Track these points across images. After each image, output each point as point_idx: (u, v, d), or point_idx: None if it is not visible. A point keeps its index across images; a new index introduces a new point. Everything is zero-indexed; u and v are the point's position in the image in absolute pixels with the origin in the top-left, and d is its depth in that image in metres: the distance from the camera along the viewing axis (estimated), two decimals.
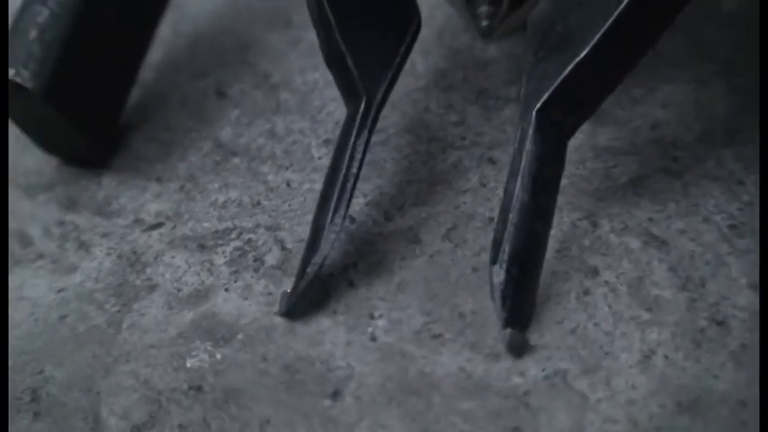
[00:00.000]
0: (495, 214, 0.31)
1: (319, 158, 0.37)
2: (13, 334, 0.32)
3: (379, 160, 0.37)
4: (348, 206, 0.31)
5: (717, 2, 0.42)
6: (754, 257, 0.30)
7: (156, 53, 0.44)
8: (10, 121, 0.37)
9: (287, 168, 0.37)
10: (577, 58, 0.29)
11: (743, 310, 0.29)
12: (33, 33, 0.35)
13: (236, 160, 0.38)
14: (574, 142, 0.35)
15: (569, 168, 0.35)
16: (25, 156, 0.40)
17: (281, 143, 0.39)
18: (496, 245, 0.29)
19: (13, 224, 0.37)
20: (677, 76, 0.38)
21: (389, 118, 0.39)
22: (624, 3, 0.29)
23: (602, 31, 0.29)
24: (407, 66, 0.41)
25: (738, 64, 0.39)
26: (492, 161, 0.36)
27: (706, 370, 0.27)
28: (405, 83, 0.40)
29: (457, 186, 0.35)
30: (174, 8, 0.45)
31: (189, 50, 0.45)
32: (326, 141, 0.38)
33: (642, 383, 0.27)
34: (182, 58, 0.44)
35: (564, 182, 0.34)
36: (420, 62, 0.41)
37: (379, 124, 0.38)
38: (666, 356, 0.28)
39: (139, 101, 0.42)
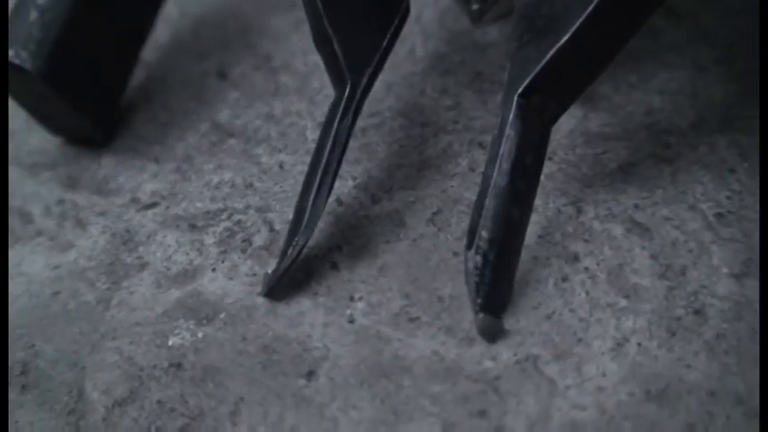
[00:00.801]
0: None
1: (313, 141, 0.38)
2: (9, 309, 0.33)
3: (372, 143, 0.37)
4: (330, 189, 0.31)
5: None
6: (738, 246, 0.30)
7: (161, 33, 0.45)
8: (16, 101, 0.38)
9: (281, 150, 0.38)
10: (559, 43, 0.29)
11: (722, 299, 0.29)
12: (34, 15, 0.36)
13: (233, 141, 0.39)
14: (565, 127, 0.36)
15: (559, 154, 0.35)
16: (30, 135, 0.41)
17: (277, 125, 0.39)
18: (472, 230, 0.29)
19: (15, 202, 0.38)
20: (675, 62, 0.38)
21: (385, 101, 0.39)
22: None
23: (585, 15, 0.29)
24: (406, 49, 0.41)
25: (738, 50, 0.38)
26: (482, 146, 0.36)
27: (678, 359, 0.27)
28: (403, 66, 0.41)
29: (446, 171, 0.35)
30: None
31: (194, 31, 0.45)
32: (322, 123, 0.38)
33: (613, 371, 0.27)
34: (186, 39, 0.45)
35: (553, 167, 0.34)
36: (419, 45, 0.41)
37: (375, 107, 0.39)
38: (640, 344, 0.28)
39: (142, 81, 0.43)
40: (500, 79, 0.39)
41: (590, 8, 0.29)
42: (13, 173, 0.40)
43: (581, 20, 0.29)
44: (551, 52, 0.29)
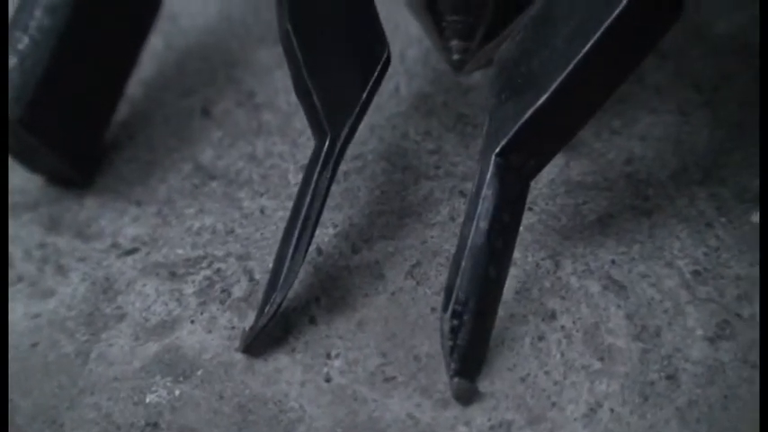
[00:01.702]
0: None
1: (295, 185, 0.38)
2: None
3: (354, 188, 0.37)
4: (309, 242, 0.32)
5: (707, 25, 0.42)
6: (714, 307, 0.31)
7: (146, 66, 0.45)
8: None
9: (262, 194, 0.38)
10: (538, 103, 0.29)
11: (695, 363, 0.29)
12: (13, 61, 0.36)
13: (214, 184, 0.39)
14: (547, 176, 0.36)
15: (540, 203, 0.35)
16: (11, 174, 0.41)
17: (259, 167, 0.39)
18: (449, 290, 0.30)
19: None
20: (660, 107, 0.38)
21: (368, 144, 0.39)
22: (586, 48, 0.29)
23: (564, 74, 0.29)
24: (391, 88, 0.42)
25: (724, 93, 0.38)
26: (463, 194, 0.36)
27: (650, 426, 0.28)
28: (387, 106, 0.41)
29: (426, 219, 0.36)
30: (167, 21, 0.46)
31: (178, 66, 0.45)
32: (304, 167, 0.38)
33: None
34: (171, 74, 0.45)
35: (533, 218, 0.35)
36: (404, 85, 0.42)
37: (358, 150, 0.39)
38: (612, 410, 0.28)
39: (126, 117, 0.43)
40: (482, 122, 0.39)
41: (570, 67, 0.29)
42: None
43: (560, 79, 0.29)
44: (530, 112, 0.30)
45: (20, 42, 0.37)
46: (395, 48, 0.43)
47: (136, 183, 0.40)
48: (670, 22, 0.29)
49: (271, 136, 0.41)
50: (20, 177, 0.41)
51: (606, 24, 0.28)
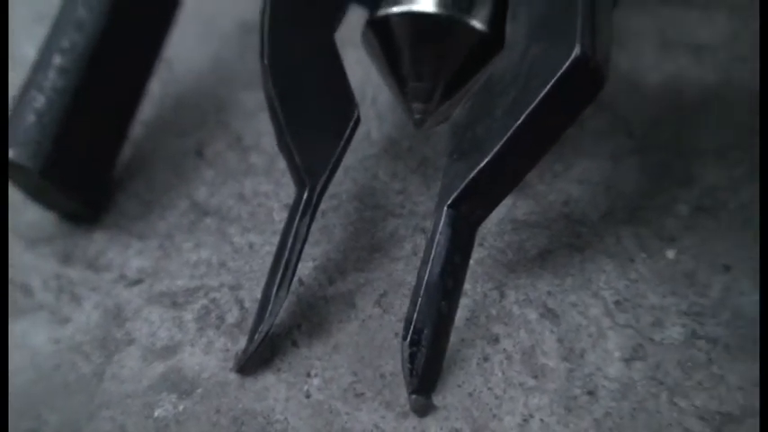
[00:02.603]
0: None
1: (279, 221, 0.44)
2: (16, 380, 0.39)
3: (330, 226, 0.43)
4: (291, 280, 0.38)
5: (641, 76, 0.48)
6: (630, 332, 0.37)
7: (145, 110, 0.50)
8: (14, 186, 0.44)
9: (250, 230, 0.44)
10: (481, 164, 0.35)
11: (612, 380, 0.35)
12: (31, 118, 0.42)
13: (208, 220, 0.45)
14: (496, 215, 0.42)
15: (489, 240, 0.41)
16: (27, 210, 0.47)
17: (247, 205, 0.45)
18: (408, 321, 0.36)
19: (16, 275, 0.44)
20: (596, 152, 0.44)
21: (343, 184, 0.45)
22: (519, 120, 0.35)
23: (501, 143, 0.35)
24: (364, 132, 0.48)
25: (652, 140, 0.44)
26: (424, 231, 0.42)
27: None
28: (360, 149, 0.47)
29: (392, 254, 0.42)
30: (163, 66, 0.52)
31: (174, 110, 0.51)
32: (287, 205, 0.45)
33: None
34: (167, 117, 0.51)
35: (483, 253, 0.41)
36: (375, 129, 0.48)
37: (334, 190, 0.45)
38: (542, 420, 0.35)
39: (128, 158, 0.49)
40: (441, 166, 0.45)
41: (507, 136, 0.35)
42: (14, 245, 0.46)
43: (499, 145, 0.35)
44: (474, 172, 0.36)
45: (36, 101, 0.42)
46: (367, 94, 0.49)
47: (138, 219, 0.46)
48: (591, 97, 0.35)
49: (257, 176, 0.47)
50: (35, 214, 0.47)
51: (535, 102, 0.34)
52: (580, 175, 0.43)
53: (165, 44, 0.49)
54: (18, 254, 0.45)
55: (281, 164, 0.47)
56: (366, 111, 0.48)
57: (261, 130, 0.49)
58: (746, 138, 0.44)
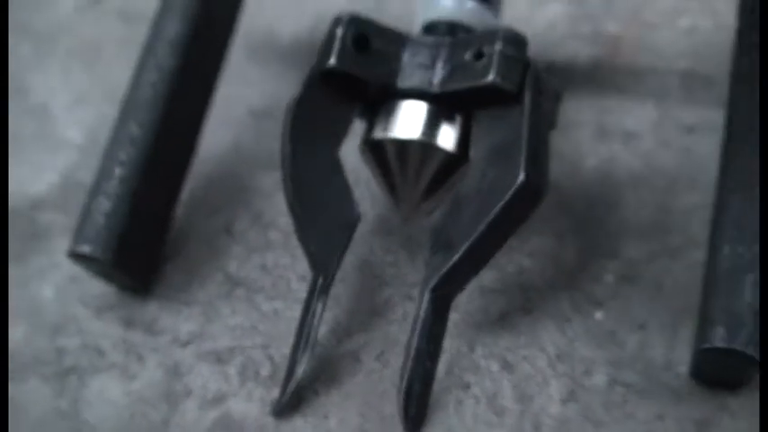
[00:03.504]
0: None
1: (297, 290, 0.57)
2: (103, 426, 0.52)
3: (338, 295, 0.56)
4: (312, 349, 0.51)
5: (580, 160, 0.61)
6: (567, 379, 0.50)
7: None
8: (83, 268, 0.57)
9: (274, 299, 0.57)
10: (453, 260, 0.48)
11: (553, 418, 0.49)
12: (100, 220, 0.54)
13: (239, 290, 0.58)
14: (469, 287, 0.55)
15: (462, 305, 0.54)
16: (92, 285, 0.59)
17: (269, 276, 0.58)
18: (401, 379, 0.49)
19: (89, 339, 0.57)
20: (543, 230, 0.57)
21: (347, 260, 0.58)
22: (483, 226, 0.48)
23: (469, 243, 0.48)
24: (361, 213, 0.60)
25: (588, 219, 0.58)
26: (411, 298, 0.55)
27: None
28: (360, 228, 0.60)
29: (387, 317, 0.55)
30: None
31: (203, 190, 0.64)
32: (301, 276, 0.57)
33: None
34: (199, 197, 0.63)
35: (458, 317, 0.54)
36: (369, 209, 0.60)
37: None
38: None
39: (170, 237, 0.61)
40: (425, 241, 0.58)
41: (474, 237, 0.48)
42: (84, 313, 0.58)
43: (467, 244, 0.48)
44: (448, 265, 0.48)
45: (103, 206, 0.54)
46: (361, 178, 0.61)
47: (183, 289, 0.58)
48: (534, 207, 0.48)
49: (276, 250, 0.59)
50: (99, 287, 0.59)
51: (493, 214, 0.47)
52: (531, 250, 0.56)
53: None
54: (88, 320, 0.58)
55: (295, 240, 0.59)
56: (361, 192, 0.61)
57: (277, 209, 0.61)
58: (663, 217, 0.57)
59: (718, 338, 0.45)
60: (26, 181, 0.68)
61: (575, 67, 0.67)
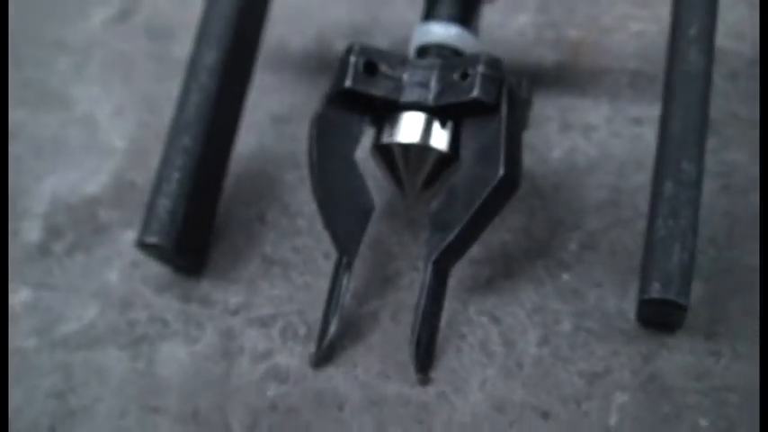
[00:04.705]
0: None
1: (323, 266, 0.72)
2: (178, 378, 0.67)
3: (357, 268, 0.70)
4: (340, 312, 0.66)
5: (548, 151, 0.76)
6: (541, 328, 0.66)
7: None
8: (145, 254, 0.71)
9: (305, 274, 0.72)
10: (450, 238, 0.63)
11: (532, 358, 0.64)
12: (163, 216, 0.69)
13: (276, 269, 0.72)
14: (463, 258, 0.70)
15: (457, 274, 0.69)
16: (150, 266, 0.74)
17: (300, 255, 0.73)
18: (413, 332, 0.64)
19: (155, 312, 0.71)
20: (519, 208, 0.72)
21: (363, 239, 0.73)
22: (472, 211, 0.63)
23: (462, 224, 0.63)
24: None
25: (555, 200, 0.73)
26: (416, 269, 0.70)
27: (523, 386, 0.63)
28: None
29: (397, 285, 0.70)
30: None
31: (237, 185, 0.78)
32: (326, 254, 0.72)
33: (477, 397, 0.63)
34: (233, 191, 0.77)
35: (454, 283, 0.69)
36: (376, 196, 0.75)
37: None
38: (493, 384, 0.63)
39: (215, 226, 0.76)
40: (425, 224, 0.73)
41: (465, 220, 0.63)
42: (147, 291, 0.73)
43: (461, 226, 0.63)
44: (445, 242, 0.64)
45: (163, 205, 0.69)
46: (368, 169, 0.76)
47: (229, 269, 0.73)
48: (511, 195, 0.63)
49: (303, 235, 0.74)
50: (157, 268, 0.73)
51: (480, 201, 0.62)
52: (509, 226, 0.71)
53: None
54: (151, 297, 0.72)
55: (319, 225, 0.74)
56: (369, 182, 0.76)
57: (302, 200, 0.76)
58: (615, 195, 0.72)
59: (655, 291, 0.61)
60: (81, 182, 0.82)
61: (542, 70, 0.82)
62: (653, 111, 0.75)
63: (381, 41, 0.87)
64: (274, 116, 0.83)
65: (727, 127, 0.75)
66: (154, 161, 0.74)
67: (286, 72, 0.87)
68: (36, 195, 0.81)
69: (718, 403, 0.61)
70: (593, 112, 0.78)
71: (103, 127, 0.86)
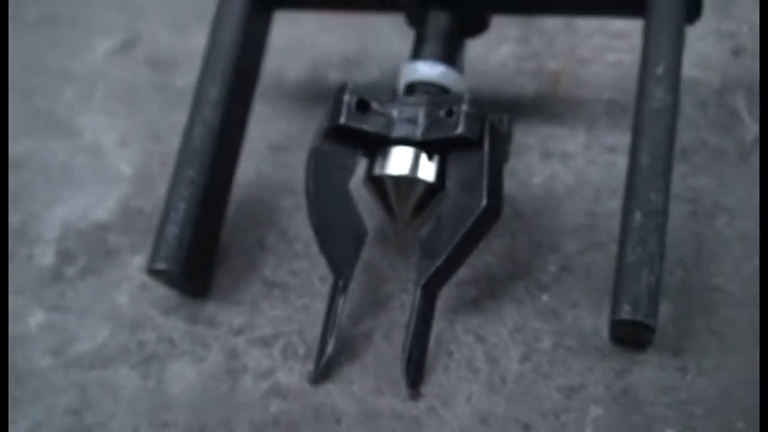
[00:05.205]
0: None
1: (320, 289, 0.77)
2: (186, 397, 0.73)
3: (351, 290, 0.77)
4: (337, 333, 0.71)
5: (529, 177, 0.82)
6: (524, 345, 0.72)
7: None
8: (153, 279, 0.77)
9: (303, 296, 0.77)
10: (437, 264, 0.69)
11: (514, 374, 0.70)
12: (172, 243, 0.74)
13: (276, 291, 0.78)
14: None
15: (445, 295, 0.75)
16: (158, 289, 0.80)
17: (298, 279, 0.79)
18: (404, 351, 0.70)
19: (163, 333, 0.77)
20: (501, 232, 0.78)
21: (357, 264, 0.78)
22: (457, 239, 0.69)
23: (448, 251, 0.69)
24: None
25: (535, 223, 0.79)
26: (407, 291, 0.76)
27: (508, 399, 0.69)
28: None
29: (389, 306, 0.75)
30: None
31: (237, 212, 0.83)
32: (323, 277, 0.78)
33: (463, 411, 0.69)
34: (234, 218, 0.83)
35: (442, 304, 0.75)
36: (368, 221, 0.81)
37: None
38: (478, 399, 0.69)
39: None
40: (414, 249, 0.78)
41: (451, 247, 0.69)
42: (156, 313, 0.79)
43: (447, 253, 0.69)
44: (433, 268, 0.70)
45: (171, 232, 0.75)
46: (361, 196, 0.82)
47: (232, 292, 0.79)
48: (494, 223, 0.69)
49: (300, 258, 0.80)
50: (163, 291, 0.79)
51: (465, 230, 0.68)
52: (493, 250, 0.77)
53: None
54: (159, 319, 0.78)
55: (315, 249, 0.80)
56: (361, 208, 0.82)
57: (298, 225, 0.81)
58: (591, 220, 0.78)
59: (625, 313, 0.67)
60: (90, 209, 0.88)
61: (523, 100, 0.88)
62: (626, 139, 0.80)
63: (372, 71, 0.93)
64: (271, 144, 0.89)
65: (696, 154, 0.81)
66: (159, 188, 0.80)
67: (282, 102, 0.93)
68: (48, 221, 0.87)
69: (685, 415, 0.67)
70: (571, 140, 0.84)
71: (110, 155, 0.92)
